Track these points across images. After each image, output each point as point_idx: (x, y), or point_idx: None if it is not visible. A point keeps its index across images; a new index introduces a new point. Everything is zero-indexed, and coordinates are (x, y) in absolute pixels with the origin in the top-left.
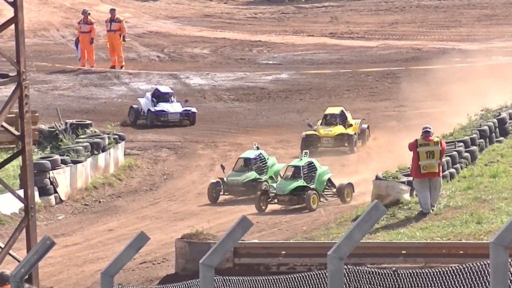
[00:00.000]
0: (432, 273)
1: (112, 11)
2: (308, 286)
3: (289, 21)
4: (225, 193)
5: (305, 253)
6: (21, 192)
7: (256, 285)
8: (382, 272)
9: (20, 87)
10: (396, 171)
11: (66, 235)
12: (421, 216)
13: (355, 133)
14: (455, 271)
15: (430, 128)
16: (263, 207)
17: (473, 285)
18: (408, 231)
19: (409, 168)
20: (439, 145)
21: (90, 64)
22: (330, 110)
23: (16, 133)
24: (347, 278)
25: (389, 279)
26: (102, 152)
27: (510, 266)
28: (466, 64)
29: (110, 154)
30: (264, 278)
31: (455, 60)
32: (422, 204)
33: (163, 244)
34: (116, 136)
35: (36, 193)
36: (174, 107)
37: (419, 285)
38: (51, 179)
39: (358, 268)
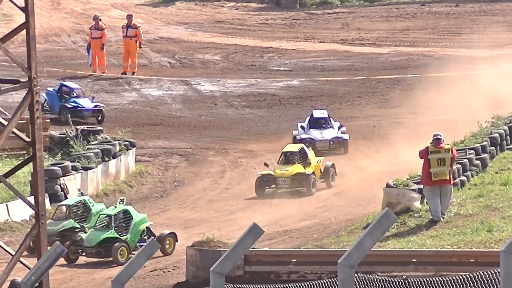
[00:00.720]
0: (442, 282)
1: (129, 17)
2: None
3: (300, 27)
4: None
5: (315, 261)
6: (31, 199)
7: None
8: (393, 280)
9: (31, 93)
10: (407, 179)
11: None
12: (431, 224)
13: (313, 173)
14: (466, 279)
15: (441, 135)
16: (72, 257)
17: None
18: (418, 239)
19: (419, 175)
20: (450, 152)
21: (101, 70)
22: (289, 148)
23: (27, 139)
24: (358, 286)
25: (399, 287)
26: (113, 158)
27: None
28: (477, 72)
29: (121, 160)
30: (274, 286)
31: (466, 67)
32: (432, 212)
33: (174, 251)
34: (127, 143)
35: (47, 200)
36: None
37: None
38: (62, 186)
39: (368, 276)
